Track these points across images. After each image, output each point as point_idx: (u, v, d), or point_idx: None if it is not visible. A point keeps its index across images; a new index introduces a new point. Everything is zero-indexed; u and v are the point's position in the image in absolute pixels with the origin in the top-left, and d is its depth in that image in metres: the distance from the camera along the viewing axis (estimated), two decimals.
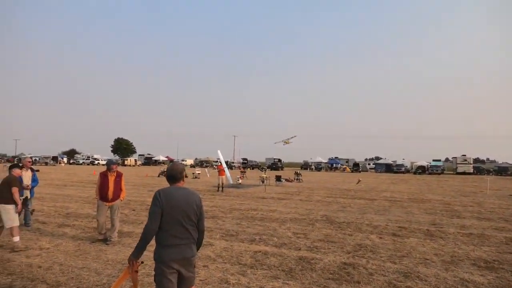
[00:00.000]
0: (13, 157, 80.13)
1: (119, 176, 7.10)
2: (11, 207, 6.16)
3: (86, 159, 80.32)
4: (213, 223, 9.08)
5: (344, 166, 70.53)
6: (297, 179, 29.00)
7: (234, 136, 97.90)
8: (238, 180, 24.65)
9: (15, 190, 6.20)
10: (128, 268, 2.98)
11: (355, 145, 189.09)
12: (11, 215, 6.13)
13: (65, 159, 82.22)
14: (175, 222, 2.85)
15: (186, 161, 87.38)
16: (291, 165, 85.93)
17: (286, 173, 42.59)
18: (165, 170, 27.38)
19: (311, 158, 77.04)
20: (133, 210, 11.01)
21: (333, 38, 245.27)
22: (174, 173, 3.03)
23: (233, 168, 69.54)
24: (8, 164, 45.46)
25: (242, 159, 78.36)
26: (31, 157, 14.70)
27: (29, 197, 8.15)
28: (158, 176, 32.50)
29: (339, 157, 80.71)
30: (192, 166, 77.11)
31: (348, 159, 77.17)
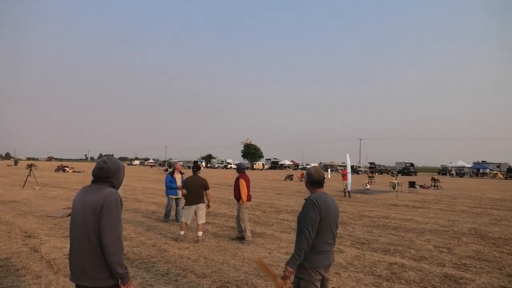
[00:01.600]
0: (164, 161, 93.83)
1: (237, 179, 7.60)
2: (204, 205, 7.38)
3: (221, 163, 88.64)
4: (342, 229, 8.85)
5: (494, 172, 60.09)
6: (434, 186, 26.03)
7: (360, 139, 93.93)
8: (366, 185, 23.53)
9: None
10: (281, 281, 2.80)
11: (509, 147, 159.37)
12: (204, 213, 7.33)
13: (203, 163, 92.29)
14: (328, 229, 2.81)
15: (310, 165, 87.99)
16: (425, 169, 77.71)
17: (421, 178, 38.66)
18: (291, 174, 28.10)
19: (451, 162, 68.15)
20: (264, 212, 11.59)
21: None
22: (321, 178, 2.94)
23: (359, 172, 66.71)
24: (162, 168, 53.18)
25: (369, 163, 74.54)
26: (178, 161, 16.97)
27: (180, 196, 9.40)
28: (285, 180, 33.55)
29: (487, 161, 69.07)
30: None
31: (500, 163, 65.46)
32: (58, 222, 8.85)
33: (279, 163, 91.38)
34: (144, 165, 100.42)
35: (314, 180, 2.94)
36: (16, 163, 65.27)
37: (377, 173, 64.52)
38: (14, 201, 12.92)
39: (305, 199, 2.86)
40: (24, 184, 19.22)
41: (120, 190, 4.01)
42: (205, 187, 7.27)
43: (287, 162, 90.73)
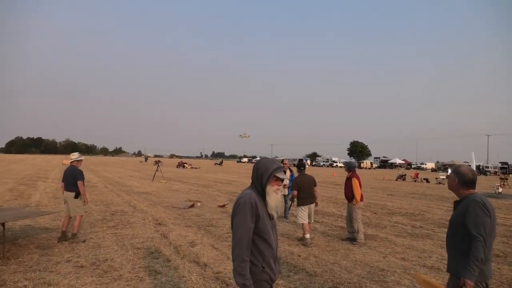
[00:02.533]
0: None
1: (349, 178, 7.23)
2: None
3: (326, 162, 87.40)
4: None
5: None
6: None
7: (487, 135, 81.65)
8: (497, 188, 20.33)
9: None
10: None
11: None
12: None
13: (308, 161, 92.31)
14: (493, 234, 2.52)
15: (426, 165, 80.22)
16: None
17: None
18: (403, 174, 25.85)
19: None
20: (375, 213, 10.99)
21: None
22: (475, 178, 2.61)
23: (487, 174, 58.12)
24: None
25: (501, 163, 64.24)
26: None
27: (286, 194, 9.57)
28: (396, 179, 31.33)
29: None
30: (433, 170, 69.92)
31: None
32: (181, 213, 9.89)
33: (389, 161, 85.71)
34: (252, 162, 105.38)
35: (468, 179, 2.58)
36: (146, 159, 75.38)
37: (511, 175, 55.22)
38: (146, 192, 14.93)
39: (469, 201, 2.51)
40: (153, 178, 22.04)
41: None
42: (314, 184, 7.20)
43: (399, 161, 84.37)
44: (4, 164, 39.05)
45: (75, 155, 6.84)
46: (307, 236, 6.76)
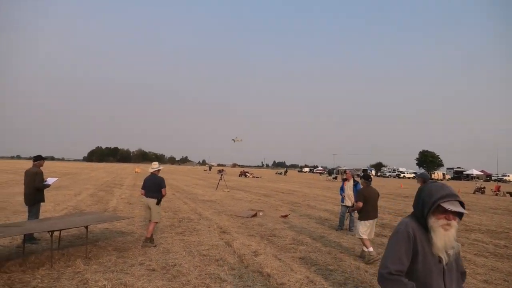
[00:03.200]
0: (332, 169, 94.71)
1: None
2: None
3: (392, 172, 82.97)
4: None
5: None
6: None
7: None
8: None
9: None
10: None
11: None
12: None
13: (373, 172, 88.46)
14: None
15: (508, 176, 72.30)
16: None
17: None
18: (482, 186, 23.59)
19: None
20: None
21: None
22: None
23: None
24: (330, 176, 53.37)
25: None
26: (346, 170, 16.78)
27: (351, 205, 9.22)
28: (474, 193, 28.63)
29: None
30: None
31: None
32: (244, 222, 10.03)
33: (464, 172, 78.69)
34: (313, 172, 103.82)
35: None
36: (210, 168, 78.12)
37: None
38: (210, 200, 15.44)
39: None
40: (217, 187, 22.74)
41: None
42: (378, 197, 6.86)
43: (476, 172, 76.98)
44: (86, 172, 43.17)
45: (156, 165, 7.28)
46: (371, 249, 6.35)
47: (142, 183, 7.21)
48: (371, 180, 7.06)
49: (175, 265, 5.59)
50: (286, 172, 70.72)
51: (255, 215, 11.12)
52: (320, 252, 6.92)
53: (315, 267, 5.83)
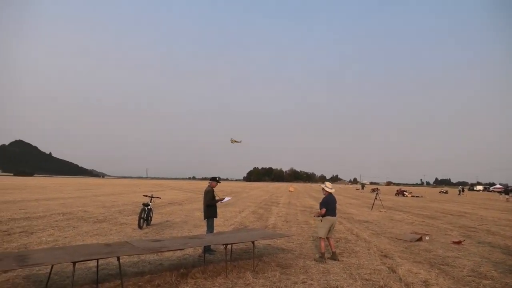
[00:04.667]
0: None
1: None
2: None
3: None
4: None
5: None
6: None
7: None
8: None
9: None
10: None
11: None
12: None
13: None
14: None
15: None
16: None
17: None
18: None
19: None
20: None
21: None
22: None
23: None
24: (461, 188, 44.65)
25: None
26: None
27: None
28: None
29: None
30: None
31: None
32: (408, 246, 9.13)
33: None
34: (489, 191, 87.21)
35: None
36: (362, 187, 75.16)
37: None
38: (366, 221, 14.71)
39: None
40: (372, 207, 21.57)
41: None
42: None
43: None
44: (247, 191, 47.62)
45: (329, 185, 7.83)
46: None
47: (323, 202, 7.47)
48: None
49: (336, 287, 5.48)
50: (462, 190, 60.95)
51: (420, 239, 9.99)
52: None
53: None
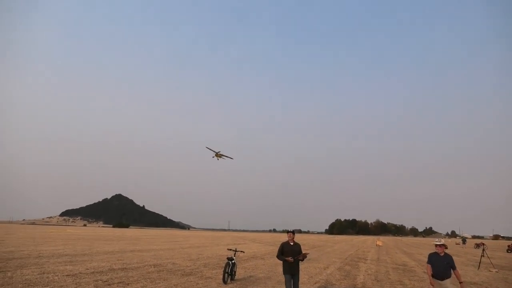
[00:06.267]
0: None
1: None
2: None
3: None
4: None
5: None
6: None
7: None
8: None
9: None
10: None
11: None
12: None
13: None
14: None
15: None
16: None
17: None
18: None
19: None
20: None
21: None
22: None
23: None
24: None
25: None
26: None
27: None
28: None
29: None
30: None
31: None
32: None
33: None
34: None
35: None
36: (464, 241, 66.16)
37: None
38: (475, 283, 12.73)
39: None
40: (479, 265, 18.71)
41: None
42: None
43: None
44: (330, 245, 45.30)
45: (441, 241, 6.96)
46: None
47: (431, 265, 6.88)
48: None
49: None
50: None
51: None
52: None
53: None
